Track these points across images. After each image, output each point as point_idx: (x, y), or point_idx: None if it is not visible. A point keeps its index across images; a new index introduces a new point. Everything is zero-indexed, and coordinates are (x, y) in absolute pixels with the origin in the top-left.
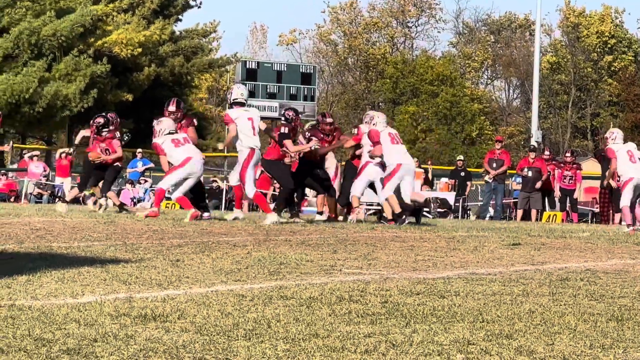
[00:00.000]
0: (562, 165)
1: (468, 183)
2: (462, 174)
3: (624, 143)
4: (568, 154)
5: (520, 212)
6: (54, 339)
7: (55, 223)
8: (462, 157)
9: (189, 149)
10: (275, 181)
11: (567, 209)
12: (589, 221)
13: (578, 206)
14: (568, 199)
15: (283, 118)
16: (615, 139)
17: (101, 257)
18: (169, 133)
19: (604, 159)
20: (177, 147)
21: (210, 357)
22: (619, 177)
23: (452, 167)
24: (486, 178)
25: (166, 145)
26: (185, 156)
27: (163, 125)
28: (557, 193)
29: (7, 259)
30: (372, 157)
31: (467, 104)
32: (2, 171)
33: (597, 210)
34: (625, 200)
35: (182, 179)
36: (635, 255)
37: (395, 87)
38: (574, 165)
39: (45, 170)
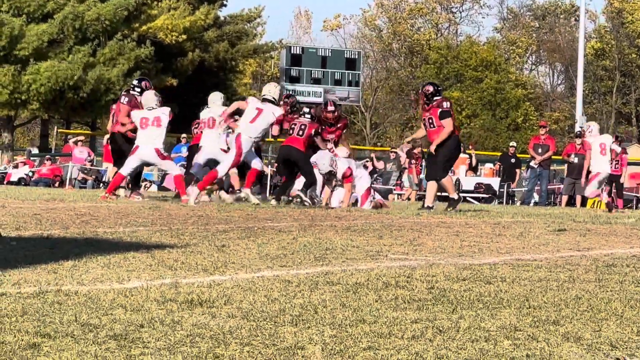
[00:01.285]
0: None
1: (517, 170)
2: (513, 160)
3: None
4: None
5: (565, 198)
6: (101, 324)
7: (100, 208)
8: (514, 144)
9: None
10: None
11: (613, 194)
12: (634, 207)
13: (623, 192)
14: (614, 184)
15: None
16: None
17: (147, 243)
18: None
19: None
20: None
21: (257, 342)
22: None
23: (498, 153)
24: (531, 164)
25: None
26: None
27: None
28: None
29: (53, 244)
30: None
31: (512, 90)
32: (47, 156)
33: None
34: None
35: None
36: None
37: (439, 73)
38: (620, 150)
39: (89, 155)
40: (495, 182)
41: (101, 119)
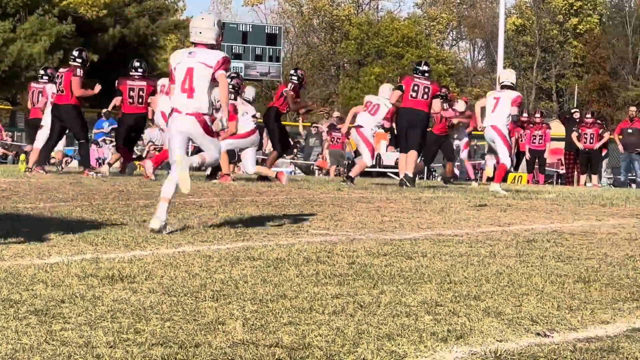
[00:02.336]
0: (531, 125)
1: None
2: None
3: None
4: (537, 115)
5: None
6: (22, 300)
7: (21, 184)
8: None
9: None
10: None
11: (534, 170)
12: (554, 182)
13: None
14: (537, 160)
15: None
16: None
17: (67, 218)
18: None
19: (569, 121)
20: None
21: (177, 318)
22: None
23: None
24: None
25: None
26: None
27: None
28: (528, 155)
29: None
30: None
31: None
32: None
33: (563, 171)
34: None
35: None
36: (601, 217)
37: (360, 49)
38: (544, 125)
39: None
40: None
41: (21, 94)
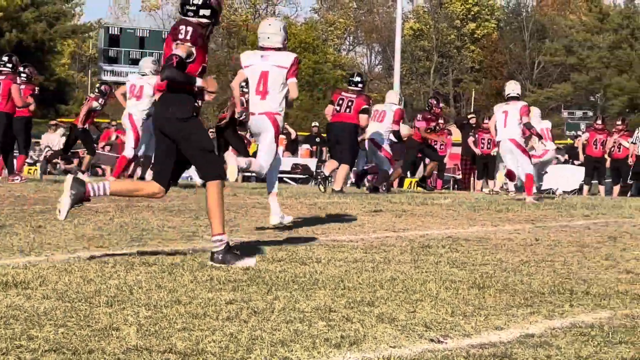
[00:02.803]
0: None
1: (324, 149)
2: (317, 139)
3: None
4: (440, 120)
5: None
6: None
7: None
8: (316, 124)
9: None
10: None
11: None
12: (450, 188)
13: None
14: (437, 165)
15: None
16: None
17: None
18: None
19: (465, 127)
20: None
21: (71, 324)
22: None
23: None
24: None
25: None
26: None
27: None
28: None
29: None
30: None
31: (330, 71)
32: None
33: (459, 177)
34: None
35: None
36: (496, 223)
37: None
38: (445, 131)
39: None
40: (312, 163)
41: None
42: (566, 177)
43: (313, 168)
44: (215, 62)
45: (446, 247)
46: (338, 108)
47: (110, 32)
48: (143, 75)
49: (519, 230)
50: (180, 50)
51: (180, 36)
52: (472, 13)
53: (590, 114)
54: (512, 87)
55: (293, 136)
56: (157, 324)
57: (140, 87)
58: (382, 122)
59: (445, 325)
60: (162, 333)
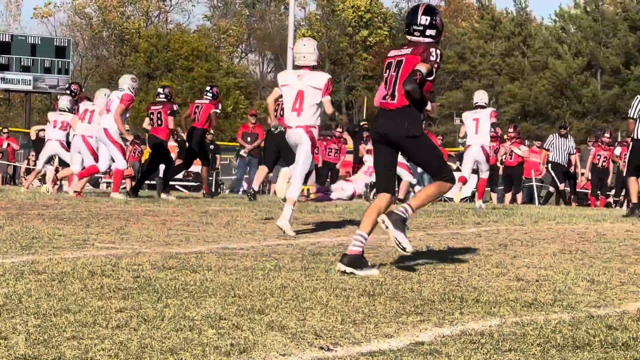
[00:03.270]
0: (328, 138)
1: (217, 156)
2: (212, 147)
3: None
4: (339, 128)
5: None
6: None
7: None
8: (211, 131)
9: None
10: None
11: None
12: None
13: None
14: (330, 172)
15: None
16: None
17: None
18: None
19: (356, 134)
20: None
21: None
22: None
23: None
24: (242, 152)
25: None
26: None
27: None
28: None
29: None
30: None
31: (222, 78)
32: None
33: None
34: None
35: None
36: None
37: (150, 62)
38: (340, 139)
39: None
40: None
41: None
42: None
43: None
44: (108, 69)
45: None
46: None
47: (1, 39)
48: (121, 90)
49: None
50: (423, 67)
51: (432, 58)
52: (365, 20)
53: None
54: (481, 96)
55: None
56: (46, 332)
57: (112, 101)
58: None
59: (335, 333)
60: (51, 342)
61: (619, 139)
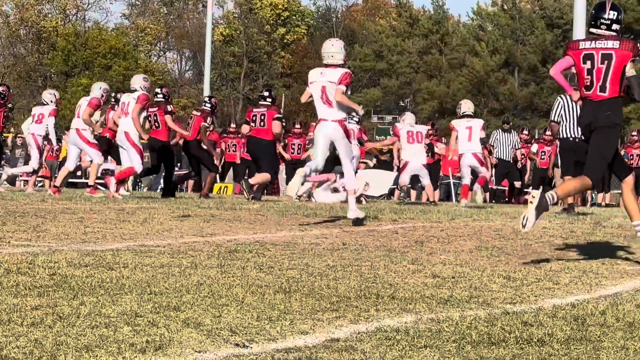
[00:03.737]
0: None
1: None
2: None
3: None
4: (298, 125)
5: (191, 183)
6: None
7: None
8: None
9: None
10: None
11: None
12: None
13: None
14: (248, 170)
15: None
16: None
17: None
18: None
19: None
20: None
21: None
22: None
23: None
24: None
25: None
26: None
27: None
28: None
29: None
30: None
31: None
32: None
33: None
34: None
35: None
36: (304, 227)
37: (68, 60)
38: (302, 135)
39: None
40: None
41: None
42: (375, 181)
43: None
44: (26, 67)
45: (253, 251)
46: (253, 124)
47: None
48: (133, 91)
49: (326, 234)
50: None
51: None
52: (282, 18)
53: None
54: (468, 106)
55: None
56: None
57: (127, 103)
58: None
59: (251, 330)
60: None
61: (536, 137)
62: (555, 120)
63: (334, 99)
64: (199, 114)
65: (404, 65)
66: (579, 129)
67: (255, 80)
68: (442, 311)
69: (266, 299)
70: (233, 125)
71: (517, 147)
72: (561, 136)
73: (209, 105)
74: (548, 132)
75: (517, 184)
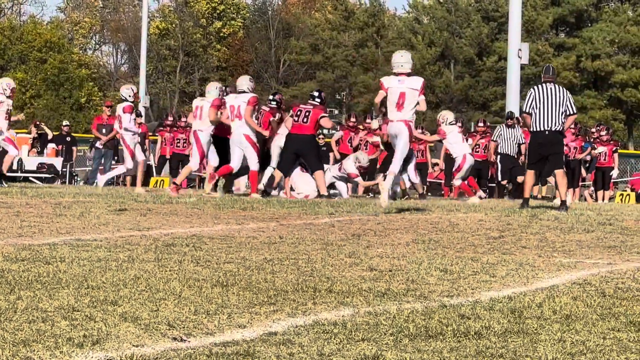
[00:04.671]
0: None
1: (74, 148)
2: (68, 139)
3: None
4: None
5: (129, 179)
6: None
7: None
8: (67, 123)
9: None
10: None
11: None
12: (197, 187)
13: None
14: (181, 164)
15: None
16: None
17: None
18: None
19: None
20: None
21: None
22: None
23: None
24: (97, 144)
25: None
26: None
27: None
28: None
29: None
30: None
31: (76, 70)
32: None
33: (204, 175)
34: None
35: None
36: (241, 221)
37: (4, 55)
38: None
39: None
40: (58, 162)
41: None
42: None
43: (59, 167)
44: None
45: (190, 245)
46: (296, 119)
47: None
48: (241, 92)
49: (263, 228)
50: None
51: None
52: (218, 12)
53: (337, 112)
54: (453, 116)
55: (50, 136)
56: None
57: (201, 107)
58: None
59: (189, 324)
60: None
61: (472, 130)
62: (527, 111)
63: (409, 103)
64: (267, 109)
65: (340, 59)
66: (550, 121)
67: (191, 74)
68: (379, 304)
69: (203, 292)
70: (183, 120)
71: (521, 142)
72: (535, 129)
73: (274, 103)
74: (481, 124)
75: (520, 178)
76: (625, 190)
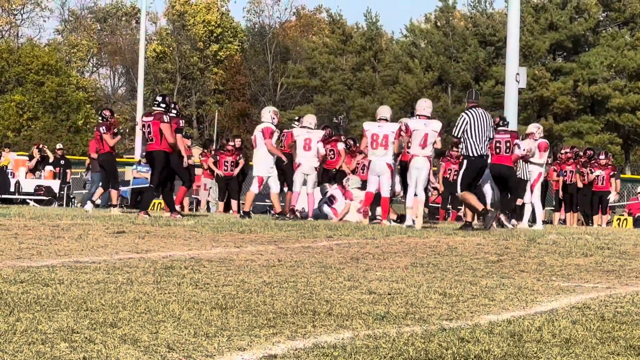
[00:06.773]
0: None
1: (68, 171)
2: (62, 162)
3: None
4: (232, 143)
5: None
6: None
7: None
8: (61, 145)
9: None
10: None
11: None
12: (194, 209)
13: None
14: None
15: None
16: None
17: None
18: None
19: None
20: None
21: None
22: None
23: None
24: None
25: None
26: None
27: None
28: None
29: None
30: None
31: (73, 93)
32: None
33: (201, 198)
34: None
35: None
36: (239, 244)
37: (1, 76)
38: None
39: None
40: (55, 185)
41: None
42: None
43: (56, 190)
44: None
45: (189, 268)
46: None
47: None
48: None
49: (261, 251)
50: None
51: None
52: (215, 35)
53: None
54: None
55: (51, 159)
56: None
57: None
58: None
59: (188, 346)
60: None
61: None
62: (456, 135)
63: (429, 143)
64: (289, 131)
65: (337, 82)
66: (484, 146)
67: (188, 97)
68: (378, 327)
69: (203, 315)
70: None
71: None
72: (469, 154)
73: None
74: (455, 149)
75: (519, 201)
76: (623, 215)
